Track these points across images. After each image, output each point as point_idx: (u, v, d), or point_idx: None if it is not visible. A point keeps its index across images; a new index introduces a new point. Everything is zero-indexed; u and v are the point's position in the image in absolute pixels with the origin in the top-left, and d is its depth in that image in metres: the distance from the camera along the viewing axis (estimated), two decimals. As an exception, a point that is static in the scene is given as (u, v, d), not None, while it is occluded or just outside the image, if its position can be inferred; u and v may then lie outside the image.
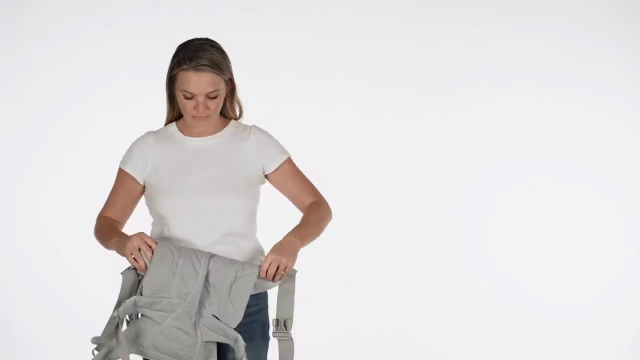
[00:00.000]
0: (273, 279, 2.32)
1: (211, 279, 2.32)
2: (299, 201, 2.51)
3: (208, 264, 2.32)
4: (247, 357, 2.30)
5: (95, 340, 2.30)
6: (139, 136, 2.52)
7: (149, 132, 2.52)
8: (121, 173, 2.50)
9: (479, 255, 4.49)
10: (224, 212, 2.40)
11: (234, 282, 2.31)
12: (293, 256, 2.32)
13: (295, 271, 2.37)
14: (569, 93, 4.46)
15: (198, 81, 2.34)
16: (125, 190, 2.50)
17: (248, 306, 2.36)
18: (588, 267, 4.47)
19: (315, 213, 2.46)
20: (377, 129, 4.49)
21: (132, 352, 2.31)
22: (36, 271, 4.48)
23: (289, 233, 2.38)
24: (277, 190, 2.58)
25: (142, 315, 2.37)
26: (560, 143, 4.48)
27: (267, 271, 2.30)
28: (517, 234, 4.49)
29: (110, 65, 4.42)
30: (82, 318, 4.35)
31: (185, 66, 2.35)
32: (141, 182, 2.49)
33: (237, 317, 2.31)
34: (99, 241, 2.48)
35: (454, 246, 4.49)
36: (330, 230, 4.31)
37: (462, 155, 4.49)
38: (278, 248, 2.32)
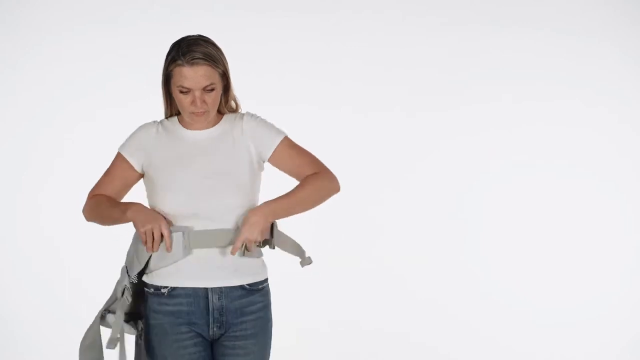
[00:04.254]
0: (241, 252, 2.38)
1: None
2: (300, 177, 2.48)
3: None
4: (253, 354, 2.38)
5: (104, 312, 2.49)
6: (142, 124, 2.52)
7: (154, 122, 2.51)
8: (119, 157, 2.51)
9: (479, 255, 4.49)
10: (223, 210, 2.39)
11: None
12: (261, 230, 2.36)
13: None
14: (569, 93, 4.46)
15: (194, 75, 2.35)
16: (121, 174, 2.50)
17: (253, 303, 2.41)
18: (588, 268, 4.47)
19: (303, 188, 2.43)
20: (377, 129, 4.49)
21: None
22: (36, 271, 4.47)
23: (266, 203, 2.39)
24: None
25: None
26: (560, 143, 4.48)
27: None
28: (517, 234, 4.49)
29: (110, 65, 4.42)
30: (82, 318, 4.35)
31: (180, 61, 2.35)
32: (138, 170, 2.50)
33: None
34: (95, 216, 2.51)
35: (454, 246, 4.49)
36: (330, 230, 4.37)
37: (462, 155, 4.49)
38: (250, 224, 2.35)
